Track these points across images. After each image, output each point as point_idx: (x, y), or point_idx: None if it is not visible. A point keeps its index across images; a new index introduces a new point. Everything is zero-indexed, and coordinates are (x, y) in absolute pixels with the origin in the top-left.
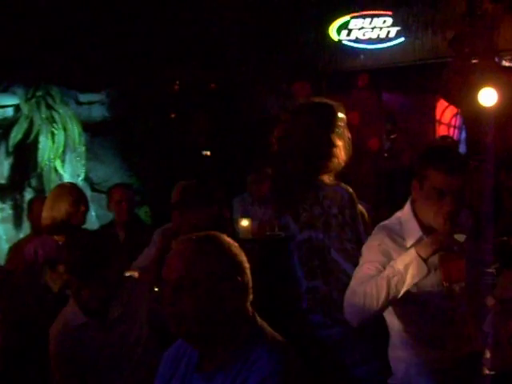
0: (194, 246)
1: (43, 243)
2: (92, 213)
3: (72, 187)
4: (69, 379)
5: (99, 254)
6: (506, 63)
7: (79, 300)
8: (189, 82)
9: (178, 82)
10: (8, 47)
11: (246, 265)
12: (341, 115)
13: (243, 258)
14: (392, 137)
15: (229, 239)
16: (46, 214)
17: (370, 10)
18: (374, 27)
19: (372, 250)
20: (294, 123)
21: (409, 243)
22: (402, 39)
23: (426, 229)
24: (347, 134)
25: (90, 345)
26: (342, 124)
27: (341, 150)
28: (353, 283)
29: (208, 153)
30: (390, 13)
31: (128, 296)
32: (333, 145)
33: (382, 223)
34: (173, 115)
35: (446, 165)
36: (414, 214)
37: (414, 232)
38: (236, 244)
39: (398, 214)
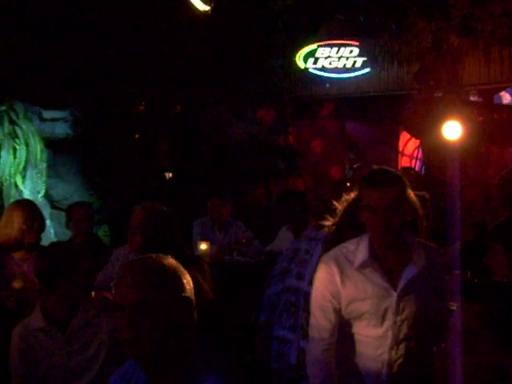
0: (145, 268)
1: None
2: (51, 230)
3: (26, 204)
4: (23, 379)
5: (68, 264)
6: (470, 97)
7: (44, 307)
8: (154, 103)
9: (143, 103)
10: None
11: (191, 285)
12: None
13: (189, 278)
14: (355, 166)
15: (173, 260)
16: (0, 232)
17: (337, 39)
18: (341, 57)
19: (320, 287)
20: None
21: (356, 264)
22: (367, 70)
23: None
24: None
25: (45, 349)
26: None
27: None
28: (312, 346)
29: (170, 174)
30: (356, 43)
31: (94, 311)
32: None
33: (332, 250)
34: (136, 136)
35: (372, 181)
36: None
37: (362, 254)
38: (179, 265)
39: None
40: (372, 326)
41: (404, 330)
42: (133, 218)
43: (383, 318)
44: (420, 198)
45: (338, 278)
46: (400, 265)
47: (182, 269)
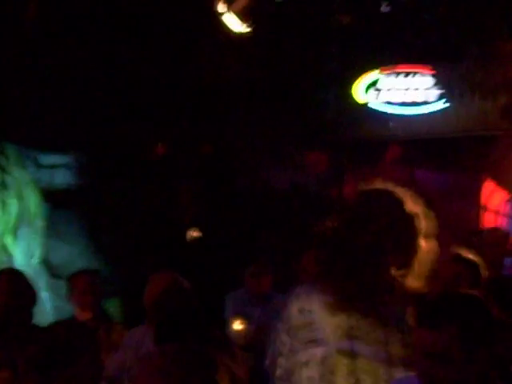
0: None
1: None
2: (48, 304)
3: (11, 274)
4: None
5: (67, 350)
6: None
7: None
8: (176, 144)
9: (161, 144)
10: None
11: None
12: None
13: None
14: None
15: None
16: None
17: (404, 66)
18: (409, 88)
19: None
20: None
21: None
22: (443, 104)
23: None
24: None
25: None
26: None
27: None
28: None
29: (195, 233)
30: (429, 71)
31: None
32: None
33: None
34: (153, 186)
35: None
36: None
37: None
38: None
39: None
40: None
41: None
42: (146, 294)
43: None
44: None
45: None
46: None
47: (213, 364)
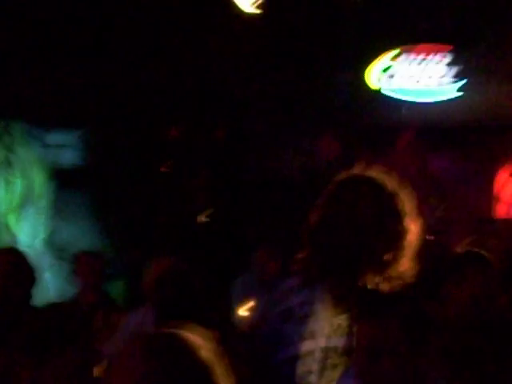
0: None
1: None
2: (51, 285)
3: (10, 254)
4: None
5: (65, 331)
6: None
7: None
8: (189, 128)
9: (175, 127)
10: None
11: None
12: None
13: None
14: (438, 213)
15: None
16: None
17: (418, 51)
18: (423, 75)
19: None
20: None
21: None
22: (457, 92)
23: None
24: None
25: None
26: None
27: None
28: None
29: (204, 218)
30: (444, 57)
31: None
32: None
33: None
34: (163, 168)
35: None
36: None
37: None
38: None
39: None
40: None
41: None
42: (145, 278)
43: None
44: None
45: None
46: None
47: (212, 359)
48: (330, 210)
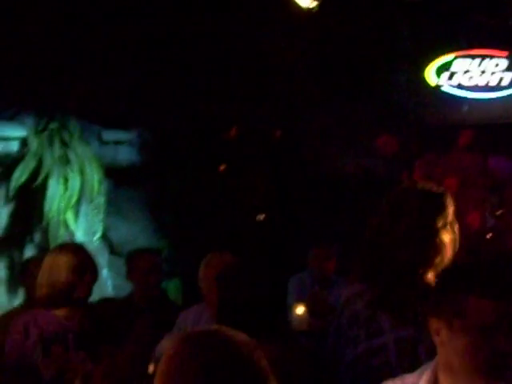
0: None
1: (36, 318)
2: (108, 282)
3: (76, 249)
4: None
5: (119, 328)
6: None
7: (86, 382)
8: (248, 127)
9: (235, 127)
10: (20, 67)
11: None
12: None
13: (264, 363)
14: (498, 213)
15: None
16: (42, 281)
17: (479, 48)
18: (484, 71)
19: None
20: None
21: None
22: None
23: None
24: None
25: None
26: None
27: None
28: None
29: (262, 217)
30: (504, 54)
31: None
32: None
33: None
34: (222, 167)
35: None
36: None
37: None
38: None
39: None
40: None
41: None
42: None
43: None
44: None
45: None
46: None
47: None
48: (393, 220)
